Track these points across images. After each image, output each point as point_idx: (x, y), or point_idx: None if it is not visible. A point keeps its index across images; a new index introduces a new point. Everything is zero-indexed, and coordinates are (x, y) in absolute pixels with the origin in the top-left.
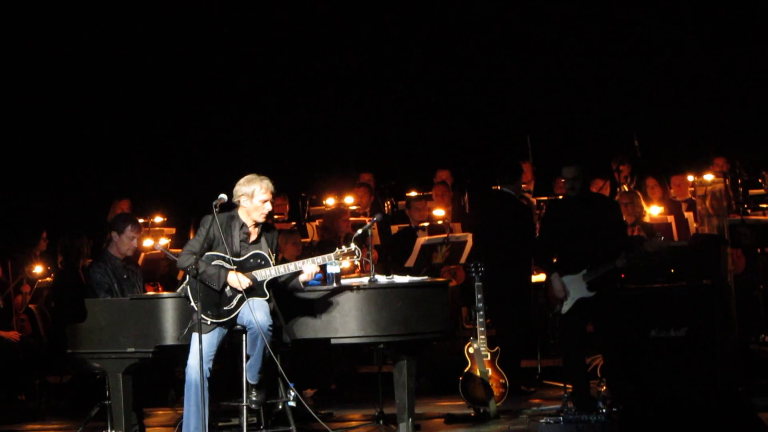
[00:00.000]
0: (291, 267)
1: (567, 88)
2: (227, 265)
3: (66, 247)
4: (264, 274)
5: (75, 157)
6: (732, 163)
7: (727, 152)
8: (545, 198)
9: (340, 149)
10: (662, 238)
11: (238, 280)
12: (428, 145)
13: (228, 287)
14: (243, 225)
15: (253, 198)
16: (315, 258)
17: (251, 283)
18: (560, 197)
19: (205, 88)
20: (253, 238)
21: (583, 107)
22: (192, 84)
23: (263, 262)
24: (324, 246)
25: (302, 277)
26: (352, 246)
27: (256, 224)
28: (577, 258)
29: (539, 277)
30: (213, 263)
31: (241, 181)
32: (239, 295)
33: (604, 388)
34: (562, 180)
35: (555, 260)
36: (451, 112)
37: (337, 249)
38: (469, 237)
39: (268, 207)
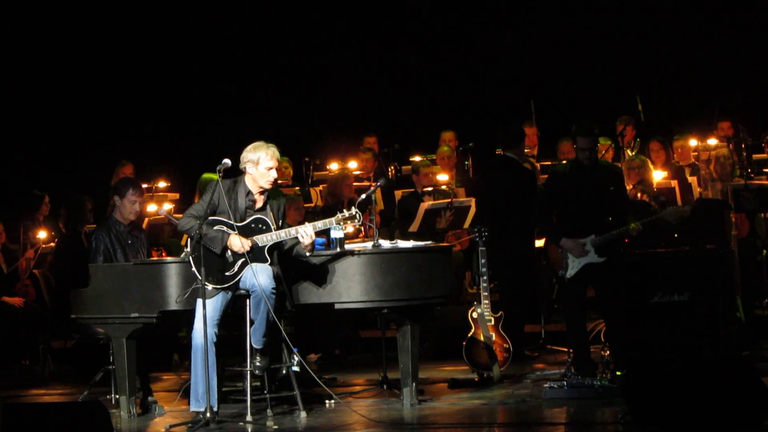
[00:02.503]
0: (292, 231)
1: (571, 51)
2: (229, 231)
3: (68, 213)
4: (265, 239)
5: (78, 121)
6: (736, 128)
7: (731, 114)
8: (549, 162)
9: (344, 112)
10: (686, 208)
11: (239, 243)
12: (432, 108)
13: (230, 252)
14: (249, 192)
15: (259, 165)
16: (316, 222)
17: (252, 245)
18: (563, 162)
19: (210, 52)
20: (258, 205)
21: (587, 70)
22: (196, 47)
23: (264, 227)
24: (327, 211)
25: (303, 241)
26: (353, 210)
27: (262, 191)
28: (584, 223)
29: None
30: (215, 227)
31: (248, 147)
32: (241, 260)
33: (607, 353)
34: (575, 147)
35: (560, 226)
36: (455, 74)
37: (338, 213)
38: (473, 202)
39: (274, 174)
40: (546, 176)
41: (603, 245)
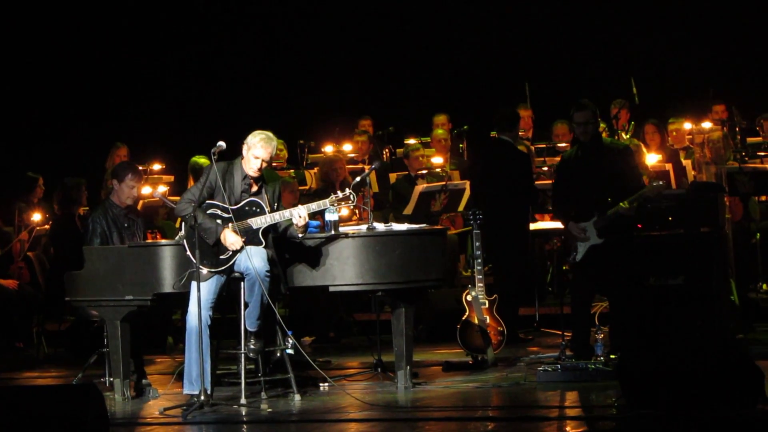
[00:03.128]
0: (286, 214)
1: (565, 34)
2: (223, 214)
3: (62, 195)
4: (259, 222)
5: (73, 102)
6: (730, 111)
7: (725, 97)
8: (543, 145)
9: (339, 95)
10: (662, 183)
11: (232, 239)
12: (426, 90)
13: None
14: (246, 176)
15: (250, 150)
16: (310, 204)
17: (243, 245)
18: (563, 145)
19: (205, 33)
20: (255, 189)
21: (582, 53)
22: (192, 28)
23: (258, 210)
24: (321, 193)
25: (295, 222)
26: (347, 191)
27: (258, 176)
28: (588, 205)
29: (538, 225)
30: (209, 212)
31: (254, 132)
32: None
33: (602, 335)
34: (574, 125)
35: (569, 209)
36: (449, 56)
37: (332, 195)
38: (467, 185)
39: (257, 165)
40: (540, 159)
41: (603, 227)
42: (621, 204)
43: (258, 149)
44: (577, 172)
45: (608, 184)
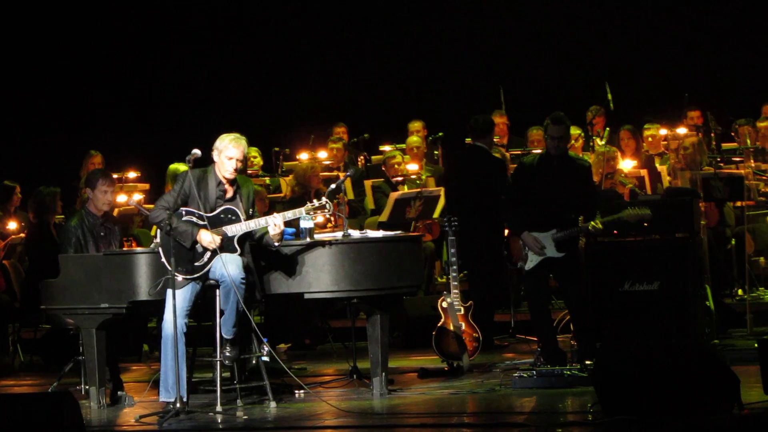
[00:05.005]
0: (261, 222)
1: (540, 40)
2: (199, 222)
3: (37, 203)
4: (234, 230)
5: (47, 110)
6: (705, 117)
7: (700, 103)
8: (519, 152)
9: (313, 102)
10: (648, 212)
11: (209, 237)
12: (401, 97)
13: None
14: (220, 182)
15: (222, 153)
16: (285, 212)
17: (221, 242)
18: (532, 152)
19: (179, 41)
20: (229, 194)
21: (557, 59)
22: (166, 36)
23: (234, 218)
24: (295, 202)
25: (271, 231)
26: (323, 200)
27: (231, 181)
28: (548, 217)
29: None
30: (184, 219)
31: (221, 136)
32: (211, 250)
33: (575, 342)
34: (546, 137)
35: (524, 218)
36: (424, 63)
37: (308, 203)
38: (442, 191)
39: (233, 165)
40: (514, 165)
41: (563, 241)
42: (593, 223)
43: (230, 150)
44: (539, 182)
45: (570, 199)
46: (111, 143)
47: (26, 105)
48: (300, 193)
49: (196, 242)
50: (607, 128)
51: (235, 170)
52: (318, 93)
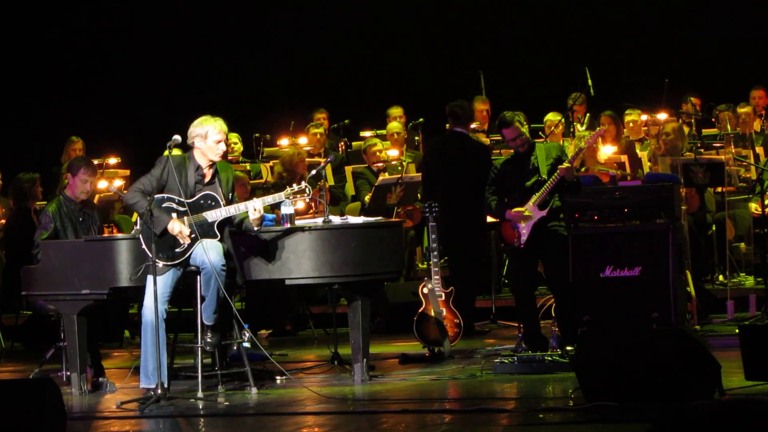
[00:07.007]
0: (241, 207)
1: (520, 25)
2: (179, 207)
3: (16, 190)
4: (214, 215)
5: (28, 95)
6: (686, 102)
7: (681, 89)
8: (499, 137)
9: (293, 87)
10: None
11: (178, 228)
12: (381, 82)
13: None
14: (198, 167)
15: (207, 138)
16: (265, 197)
17: (190, 238)
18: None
19: (159, 27)
20: (207, 179)
21: (537, 45)
22: (147, 22)
23: (213, 203)
24: (277, 187)
25: (251, 216)
26: (303, 185)
27: (211, 165)
28: (526, 201)
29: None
30: (163, 205)
31: (195, 122)
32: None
33: (557, 327)
34: (506, 142)
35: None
36: (404, 48)
37: (287, 188)
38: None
39: (223, 147)
40: (496, 151)
41: (544, 201)
42: (559, 167)
43: (216, 134)
44: (514, 177)
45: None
46: (92, 129)
47: (6, 90)
48: (288, 178)
49: (165, 232)
50: (588, 114)
51: (226, 151)
52: (298, 78)
